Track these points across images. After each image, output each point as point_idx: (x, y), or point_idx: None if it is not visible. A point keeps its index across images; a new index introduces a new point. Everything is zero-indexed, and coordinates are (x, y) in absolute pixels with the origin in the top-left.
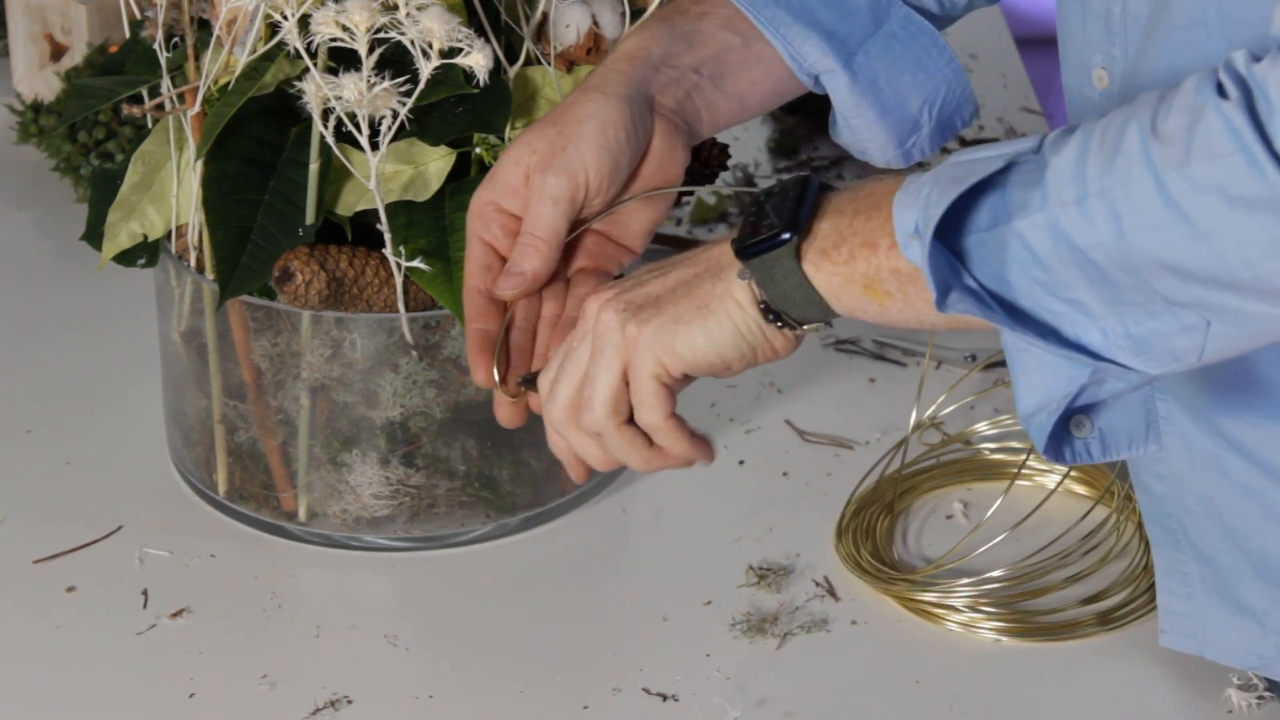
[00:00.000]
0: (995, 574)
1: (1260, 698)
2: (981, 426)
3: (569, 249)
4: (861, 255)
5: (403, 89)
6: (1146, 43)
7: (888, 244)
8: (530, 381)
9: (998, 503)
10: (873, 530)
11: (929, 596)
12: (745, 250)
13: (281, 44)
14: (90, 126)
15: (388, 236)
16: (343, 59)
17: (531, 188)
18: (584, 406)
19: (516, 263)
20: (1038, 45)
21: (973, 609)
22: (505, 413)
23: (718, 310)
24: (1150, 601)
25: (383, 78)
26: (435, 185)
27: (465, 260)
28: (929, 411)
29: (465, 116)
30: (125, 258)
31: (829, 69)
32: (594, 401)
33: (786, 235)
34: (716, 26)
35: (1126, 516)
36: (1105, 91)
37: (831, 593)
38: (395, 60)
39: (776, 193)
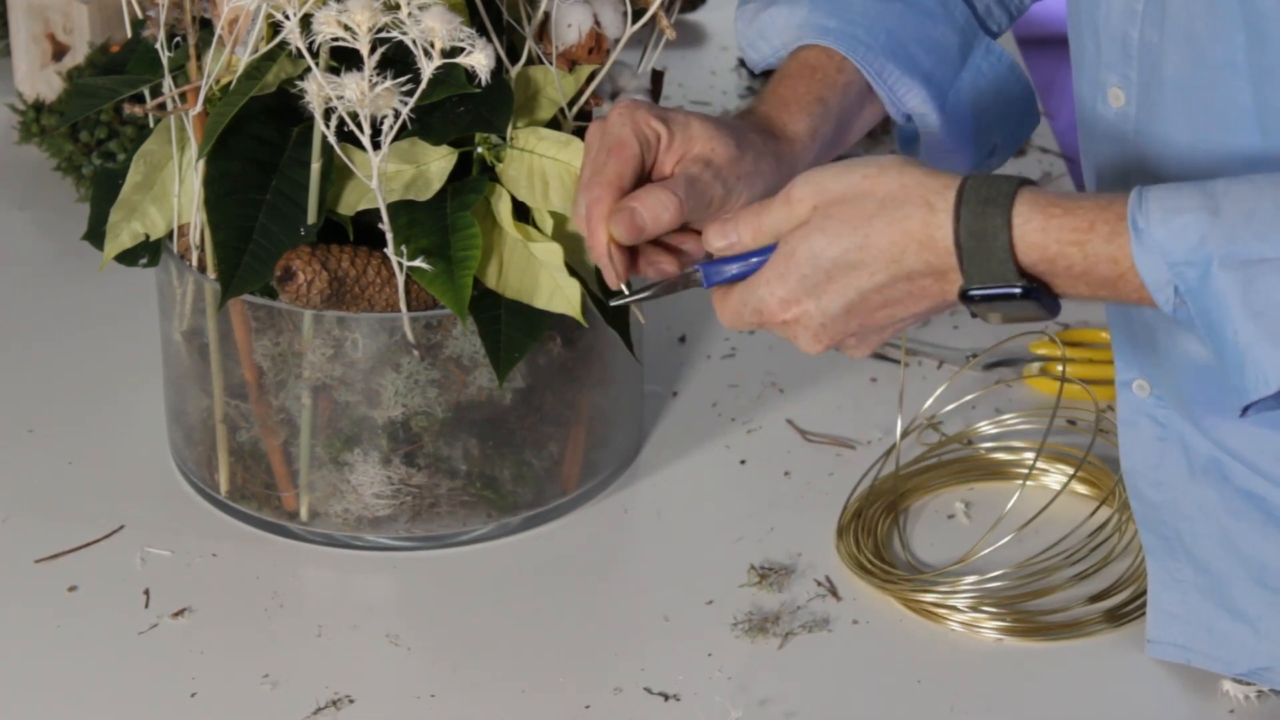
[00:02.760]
0: (998, 573)
1: (1260, 692)
2: (983, 426)
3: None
4: (1105, 290)
5: (404, 88)
6: (1169, 73)
7: (1134, 285)
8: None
9: (1010, 503)
10: (874, 530)
11: (930, 597)
12: (974, 297)
13: (283, 43)
14: (92, 126)
15: (389, 236)
16: (344, 58)
17: (696, 172)
18: (752, 319)
19: (654, 211)
20: (1040, 45)
21: (974, 609)
22: (611, 279)
23: (924, 314)
24: None
25: (384, 77)
26: (437, 185)
27: (619, 155)
28: (925, 408)
29: (467, 116)
30: (127, 257)
31: (925, 113)
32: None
33: (1018, 290)
34: (857, 96)
35: (1128, 518)
36: (1121, 111)
37: (833, 592)
38: (397, 60)
39: (993, 300)
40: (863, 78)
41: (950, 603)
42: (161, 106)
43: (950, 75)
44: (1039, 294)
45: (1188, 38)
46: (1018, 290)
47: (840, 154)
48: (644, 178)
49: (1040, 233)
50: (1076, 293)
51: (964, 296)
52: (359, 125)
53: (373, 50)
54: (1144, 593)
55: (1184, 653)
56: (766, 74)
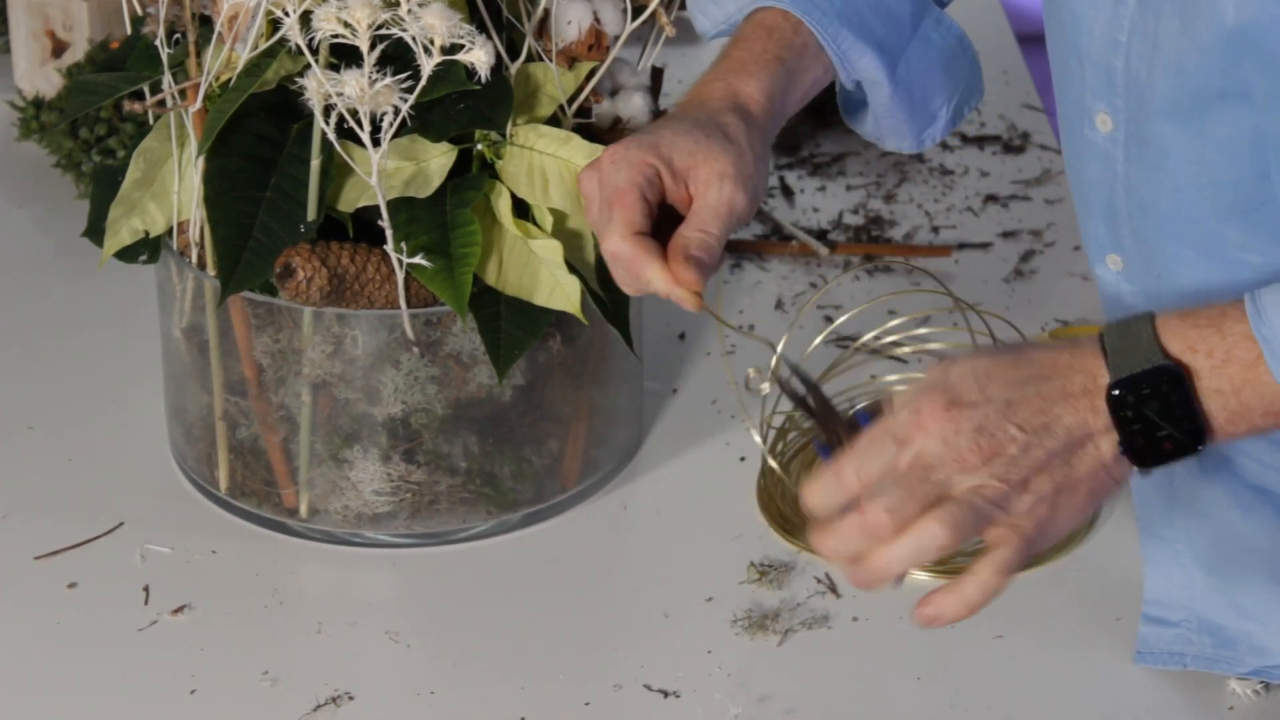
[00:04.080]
0: None
1: (1262, 687)
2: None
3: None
4: (1266, 421)
5: (404, 85)
6: (1159, 105)
7: None
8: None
9: None
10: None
11: None
12: (1150, 464)
13: (283, 40)
14: (91, 123)
15: (389, 233)
16: (344, 55)
17: (718, 195)
18: (898, 498)
19: (702, 255)
20: (1039, 42)
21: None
22: (693, 305)
23: (1102, 498)
24: None
25: (384, 74)
26: (436, 182)
27: (622, 205)
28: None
29: (467, 113)
30: (127, 254)
31: (875, 80)
32: (909, 505)
33: (1199, 448)
34: (812, 58)
35: None
36: (1109, 135)
37: (833, 589)
38: (397, 57)
39: (1141, 387)
40: (816, 41)
41: None
42: (161, 103)
43: (902, 44)
44: (1187, 383)
45: (1178, 71)
46: (1165, 371)
47: (781, 119)
48: (662, 208)
49: (1179, 320)
50: (1219, 394)
51: (1110, 397)
52: (359, 122)
53: (372, 47)
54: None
55: (1179, 659)
56: None
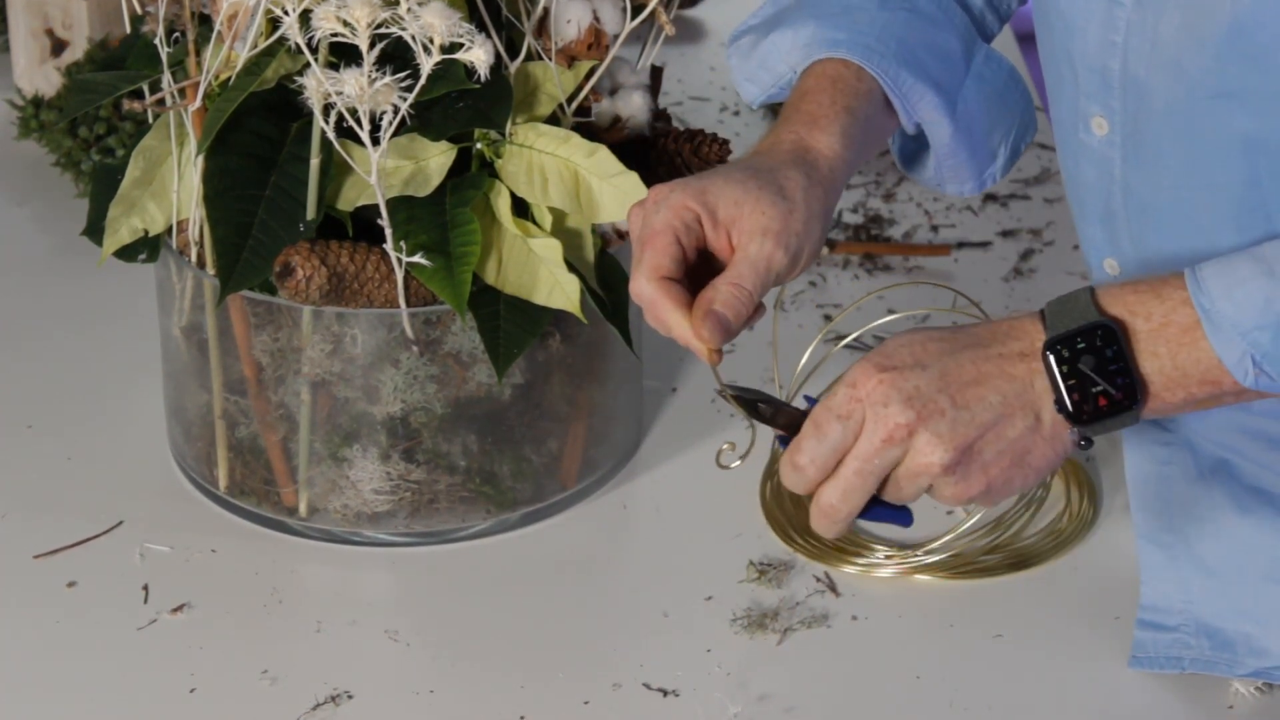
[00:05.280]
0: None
1: (1262, 687)
2: None
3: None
4: (1203, 390)
5: (404, 84)
6: (1158, 106)
7: (1231, 381)
8: (750, 404)
9: None
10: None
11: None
12: (1086, 422)
13: (282, 39)
14: (91, 122)
15: (388, 232)
16: (344, 54)
17: (758, 251)
18: (840, 489)
19: (726, 312)
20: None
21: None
22: (709, 360)
23: (1037, 466)
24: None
25: (384, 73)
26: (436, 180)
27: (653, 247)
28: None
29: (466, 112)
30: (126, 253)
31: (936, 120)
32: (853, 496)
33: (1134, 406)
34: (877, 106)
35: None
36: (1106, 138)
37: (832, 588)
38: (396, 56)
39: (1076, 341)
40: (880, 87)
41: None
42: (161, 102)
43: (957, 82)
44: (1122, 338)
45: (1176, 71)
46: (1100, 327)
47: (851, 171)
48: (700, 253)
49: (1119, 288)
50: (1155, 356)
51: (1050, 348)
52: (358, 121)
53: (372, 46)
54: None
55: (1177, 663)
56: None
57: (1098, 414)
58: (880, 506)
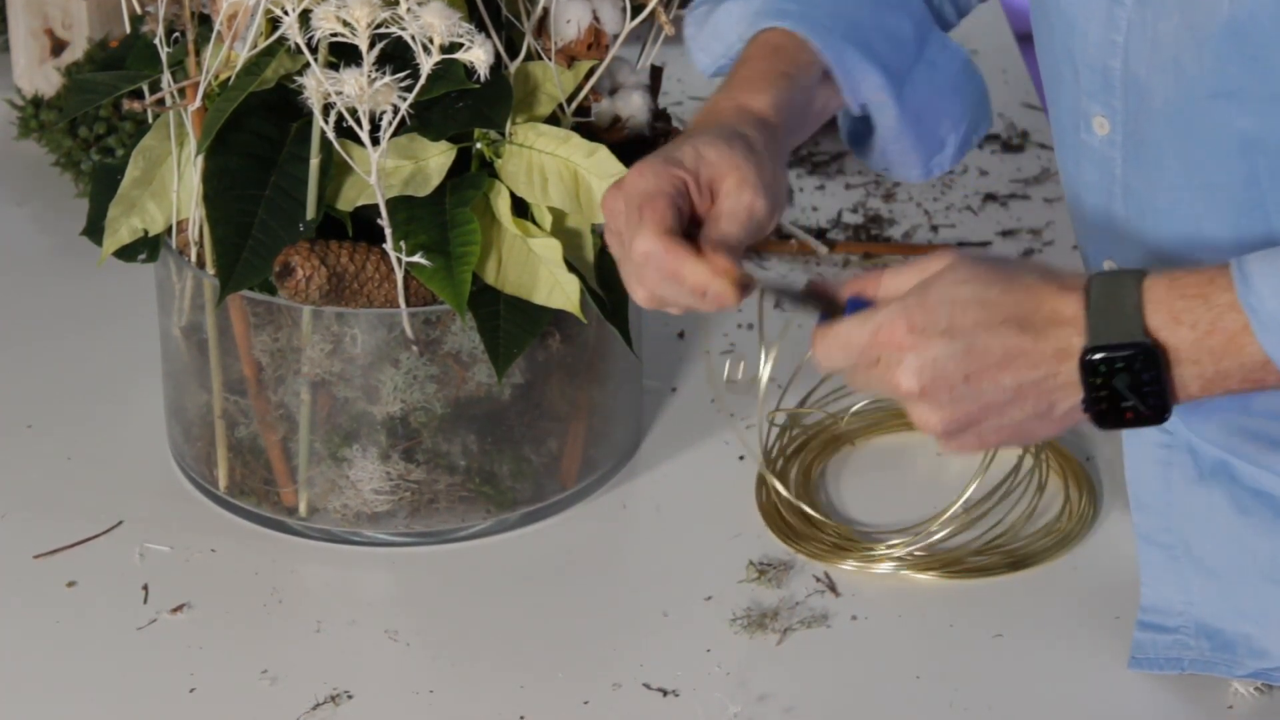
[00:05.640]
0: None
1: (1262, 687)
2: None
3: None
4: (1242, 386)
5: (403, 84)
6: (1159, 105)
7: (1276, 378)
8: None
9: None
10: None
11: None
12: (1108, 428)
13: (282, 39)
14: (91, 122)
15: (388, 231)
16: (343, 54)
17: (738, 201)
18: (852, 379)
19: (719, 294)
20: None
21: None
22: (732, 297)
23: (1034, 438)
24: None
25: (383, 73)
26: (436, 180)
27: (652, 207)
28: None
29: (466, 112)
30: (126, 253)
31: (881, 102)
32: (859, 384)
33: (1160, 419)
34: (818, 79)
35: (1046, 459)
36: (1107, 138)
37: (832, 588)
38: (396, 55)
39: (1116, 361)
40: (822, 61)
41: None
42: (160, 102)
43: (907, 65)
44: (1162, 362)
45: (1175, 70)
46: (1142, 349)
47: (801, 142)
48: (690, 220)
49: (1167, 288)
50: (1197, 364)
51: (1083, 363)
52: (358, 121)
53: (371, 46)
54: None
55: (1177, 664)
56: None
57: (1121, 424)
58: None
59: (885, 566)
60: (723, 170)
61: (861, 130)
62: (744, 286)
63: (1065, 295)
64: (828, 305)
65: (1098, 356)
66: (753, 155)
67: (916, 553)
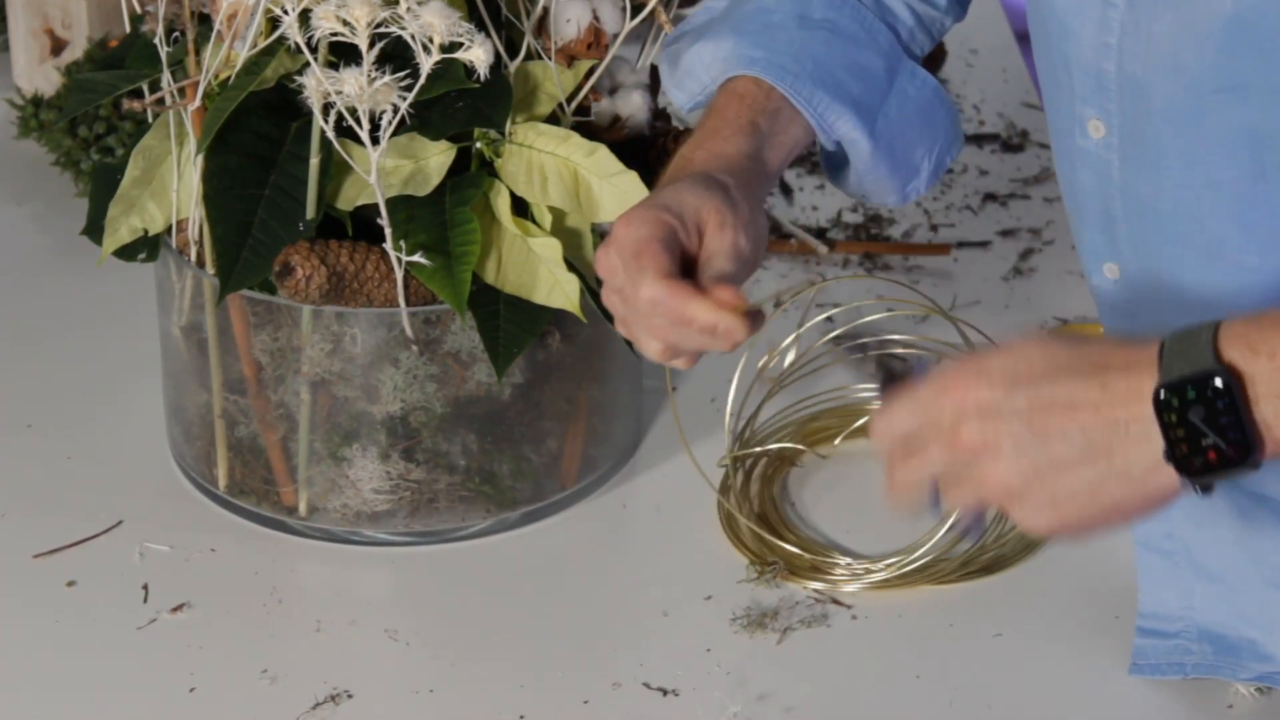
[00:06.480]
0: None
1: (1262, 688)
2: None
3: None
4: None
5: (403, 84)
6: (1158, 104)
7: None
8: None
9: None
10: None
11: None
12: (1196, 474)
13: (282, 39)
14: (90, 121)
15: (388, 231)
16: (343, 54)
17: (724, 241)
18: (914, 468)
19: (729, 330)
20: None
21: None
22: (742, 331)
23: (1134, 514)
24: None
25: (383, 72)
26: (436, 180)
27: (650, 253)
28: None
29: (466, 111)
30: (126, 252)
31: (855, 139)
32: (922, 473)
33: (1244, 463)
34: (788, 121)
35: None
36: (1103, 141)
37: (834, 600)
38: (396, 55)
39: (1186, 389)
40: (790, 104)
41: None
42: (160, 101)
43: (878, 100)
44: (1237, 389)
45: (1175, 69)
46: (1213, 374)
47: (775, 185)
48: (683, 265)
49: (1244, 322)
50: (1278, 399)
51: (1158, 394)
52: (358, 120)
53: (371, 45)
54: None
55: (1179, 669)
56: None
57: (1208, 468)
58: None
59: (875, 576)
60: (705, 213)
61: (837, 160)
62: (753, 317)
63: (1138, 347)
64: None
65: (1166, 392)
66: (729, 198)
67: (906, 567)
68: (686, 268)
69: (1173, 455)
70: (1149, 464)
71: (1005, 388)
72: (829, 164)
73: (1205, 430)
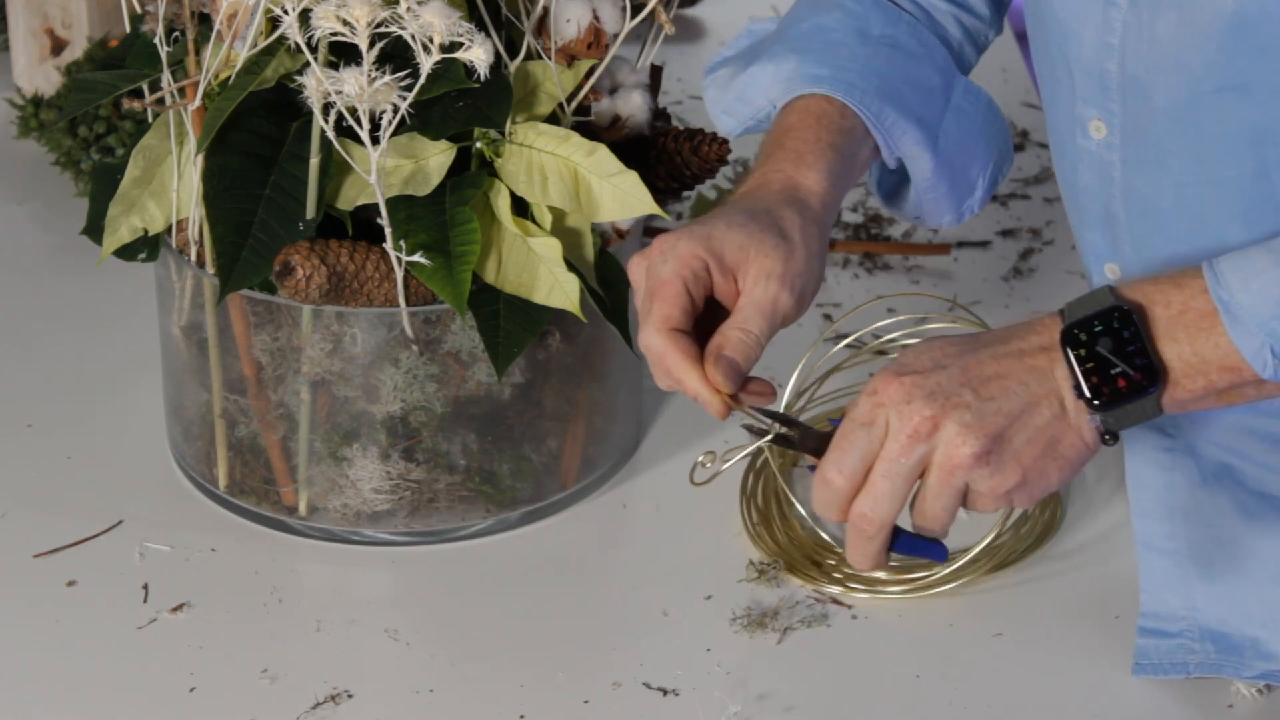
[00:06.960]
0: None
1: (1265, 688)
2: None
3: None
4: (1222, 378)
5: (403, 83)
6: (1161, 104)
7: (1250, 372)
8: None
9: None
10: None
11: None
12: (1105, 405)
13: (282, 38)
14: (91, 121)
15: (388, 231)
16: (343, 53)
17: (764, 294)
18: (871, 497)
19: (737, 357)
20: None
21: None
22: (722, 414)
23: (1069, 457)
24: None
25: (383, 72)
26: (436, 180)
27: (662, 298)
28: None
29: (466, 111)
30: (126, 252)
31: (917, 155)
32: (883, 503)
33: (1152, 389)
34: (860, 141)
35: None
36: (1104, 141)
37: (835, 600)
38: (396, 55)
39: (1093, 324)
40: (862, 123)
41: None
42: (160, 101)
43: (938, 116)
44: (1138, 320)
45: (1177, 68)
46: (1117, 310)
47: (838, 207)
48: (708, 302)
49: (1138, 280)
50: (1175, 341)
51: (1067, 335)
52: (358, 120)
53: (371, 45)
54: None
55: (1182, 668)
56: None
57: (1117, 395)
58: (912, 538)
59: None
60: (747, 257)
61: (893, 183)
62: (731, 406)
63: (1038, 316)
64: (813, 443)
65: (1075, 328)
66: (783, 244)
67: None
68: (715, 306)
69: (1082, 389)
70: (1074, 401)
71: (933, 369)
72: (881, 187)
73: (1113, 359)
